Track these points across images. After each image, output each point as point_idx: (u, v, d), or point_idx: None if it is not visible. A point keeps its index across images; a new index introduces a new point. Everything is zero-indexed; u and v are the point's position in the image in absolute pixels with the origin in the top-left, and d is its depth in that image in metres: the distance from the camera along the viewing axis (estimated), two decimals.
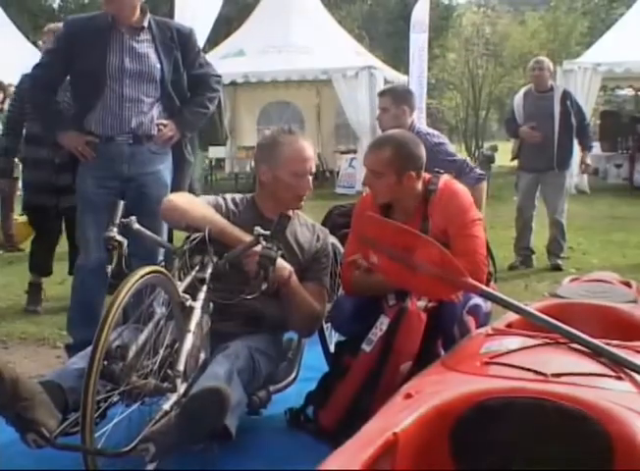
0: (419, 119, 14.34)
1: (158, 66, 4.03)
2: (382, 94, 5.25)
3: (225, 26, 25.09)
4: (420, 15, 14.24)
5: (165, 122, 4.11)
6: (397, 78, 17.09)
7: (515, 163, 7.75)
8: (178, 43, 4.10)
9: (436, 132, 5.24)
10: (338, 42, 17.22)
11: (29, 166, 5.54)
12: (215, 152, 19.73)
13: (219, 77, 4.41)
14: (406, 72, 15.63)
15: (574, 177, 12.69)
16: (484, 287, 2.70)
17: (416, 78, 14.30)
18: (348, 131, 16.66)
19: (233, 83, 17.12)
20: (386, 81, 15.51)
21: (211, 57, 17.21)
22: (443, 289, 2.76)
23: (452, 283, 2.68)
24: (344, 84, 15.20)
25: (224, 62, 16.33)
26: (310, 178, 3.38)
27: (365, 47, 20.94)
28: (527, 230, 7.39)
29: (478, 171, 5.10)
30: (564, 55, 22.31)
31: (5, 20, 16.08)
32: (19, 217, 8.11)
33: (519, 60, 26.62)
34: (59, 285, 6.02)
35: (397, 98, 5.05)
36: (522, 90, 7.70)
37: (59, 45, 4.17)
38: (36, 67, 4.28)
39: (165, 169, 4.19)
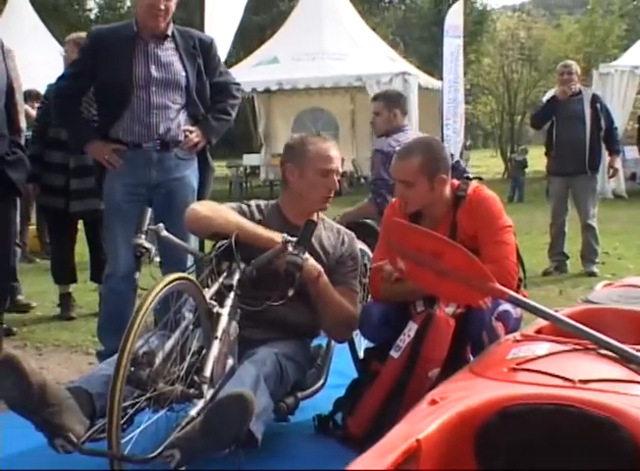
0: (455, 123, 14.35)
1: (183, 73, 4.07)
2: (375, 99, 5.49)
3: (259, 34, 25.27)
4: (454, 19, 14.19)
5: (191, 128, 4.14)
6: (430, 83, 17.06)
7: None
8: (200, 51, 4.15)
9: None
10: (371, 49, 17.23)
11: (49, 170, 5.59)
12: (249, 160, 19.86)
13: (238, 85, 4.46)
14: (441, 77, 15.58)
15: (611, 181, 12.57)
16: (512, 293, 2.67)
17: (451, 83, 14.24)
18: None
19: (267, 91, 17.23)
20: (420, 87, 15.50)
21: (245, 65, 17.39)
22: (470, 295, 2.73)
23: (479, 288, 2.65)
24: (378, 91, 15.17)
25: (258, 69, 16.46)
26: (337, 177, 3.38)
27: (399, 53, 20.95)
28: (561, 235, 7.33)
29: None
30: (601, 58, 22.08)
31: (43, 30, 16.32)
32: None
33: (555, 64, 26.37)
34: (93, 291, 6.08)
35: (388, 102, 5.30)
36: (552, 91, 7.64)
37: (84, 56, 4.21)
38: (61, 78, 4.32)
39: (192, 174, 4.22)
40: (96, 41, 4.13)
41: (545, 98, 7.57)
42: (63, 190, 5.47)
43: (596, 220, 7.32)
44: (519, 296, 2.73)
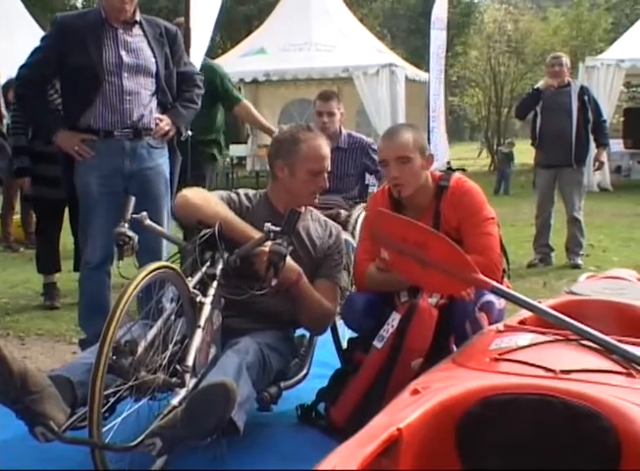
0: (440, 116, 14.36)
1: (153, 60, 4.05)
2: (328, 98, 5.48)
3: (246, 25, 25.15)
4: (440, 12, 14.17)
5: (161, 116, 4.12)
6: (417, 75, 17.06)
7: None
8: (166, 40, 4.14)
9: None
10: (359, 40, 17.17)
11: (42, 160, 5.55)
12: (236, 150, 19.79)
13: (202, 75, 4.47)
14: (428, 69, 15.58)
15: (597, 174, 12.61)
16: (494, 283, 2.67)
17: (437, 75, 14.24)
18: (369, 129, 16.62)
19: (254, 81, 17.19)
20: (407, 79, 15.49)
21: (232, 55, 17.33)
22: (453, 285, 2.73)
23: (462, 279, 2.66)
24: (364, 82, 15.17)
25: (245, 60, 16.40)
26: (326, 175, 3.37)
27: (387, 45, 20.91)
28: (546, 227, 7.35)
29: None
30: (587, 51, 22.14)
31: (29, 19, 16.18)
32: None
33: (541, 57, 26.43)
34: (76, 281, 6.04)
35: (338, 103, 5.43)
36: (539, 83, 7.64)
37: (49, 43, 4.09)
38: (24, 66, 4.14)
39: (164, 163, 4.21)
40: (62, 27, 4.04)
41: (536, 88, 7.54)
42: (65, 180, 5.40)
43: (582, 213, 7.34)
44: (502, 287, 2.74)
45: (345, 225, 4.64)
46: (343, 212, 5.01)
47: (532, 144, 7.57)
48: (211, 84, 5.25)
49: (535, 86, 7.57)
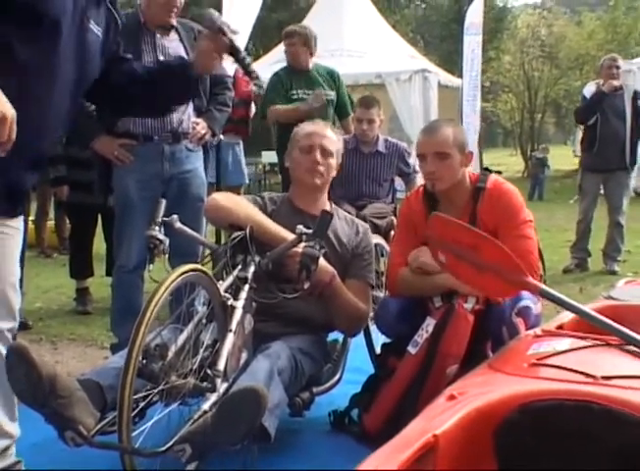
0: (476, 121, 14.27)
1: None
2: (370, 106, 5.56)
3: (278, 32, 25.18)
4: (474, 17, 14.07)
5: (198, 120, 4.15)
6: (450, 81, 16.97)
7: (570, 167, 7.59)
8: None
9: None
10: (391, 46, 17.12)
11: (76, 166, 5.55)
12: (269, 157, 19.82)
13: (231, 78, 4.55)
14: (460, 75, 15.49)
15: (633, 179, 12.44)
16: (544, 287, 2.59)
17: (471, 79, 14.14)
18: (402, 135, 16.54)
19: None
20: (440, 85, 15.40)
21: (265, 62, 17.37)
22: (507, 289, 2.66)
23: (513, 282, 2.58)
24: (397, 88, 15.10)
25: (277, 67, 16.32)
26: (318, 154, 3.32)
27: (419, 51, 20.85)
28: (588, 231, 7.30)
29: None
30: (623, 55, 21.90)
31: None
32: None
33: (576, 61, 26.23)
34: (109, 286, 6.05)
35: (379, 110, 5.59)
36: (592, 84, 7.47)
37: None
38: None
39: (201, 166, 4.27)
40: None
41: (585, 91, 7.35)
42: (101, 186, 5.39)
43: (625, 217, 7.24)
44: (550, 290, 2.65)
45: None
46: (395, 219, 5.04)
47: (582, 149, 7.45)
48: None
49: (589, 88, 7.37)
